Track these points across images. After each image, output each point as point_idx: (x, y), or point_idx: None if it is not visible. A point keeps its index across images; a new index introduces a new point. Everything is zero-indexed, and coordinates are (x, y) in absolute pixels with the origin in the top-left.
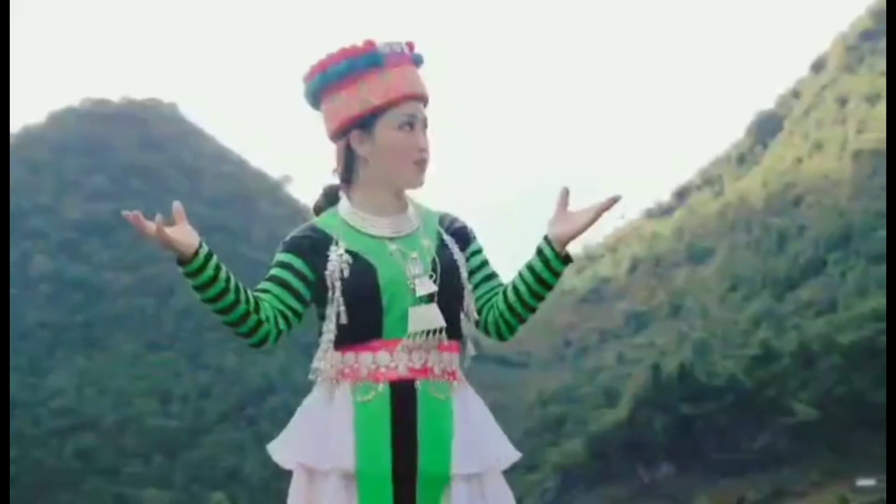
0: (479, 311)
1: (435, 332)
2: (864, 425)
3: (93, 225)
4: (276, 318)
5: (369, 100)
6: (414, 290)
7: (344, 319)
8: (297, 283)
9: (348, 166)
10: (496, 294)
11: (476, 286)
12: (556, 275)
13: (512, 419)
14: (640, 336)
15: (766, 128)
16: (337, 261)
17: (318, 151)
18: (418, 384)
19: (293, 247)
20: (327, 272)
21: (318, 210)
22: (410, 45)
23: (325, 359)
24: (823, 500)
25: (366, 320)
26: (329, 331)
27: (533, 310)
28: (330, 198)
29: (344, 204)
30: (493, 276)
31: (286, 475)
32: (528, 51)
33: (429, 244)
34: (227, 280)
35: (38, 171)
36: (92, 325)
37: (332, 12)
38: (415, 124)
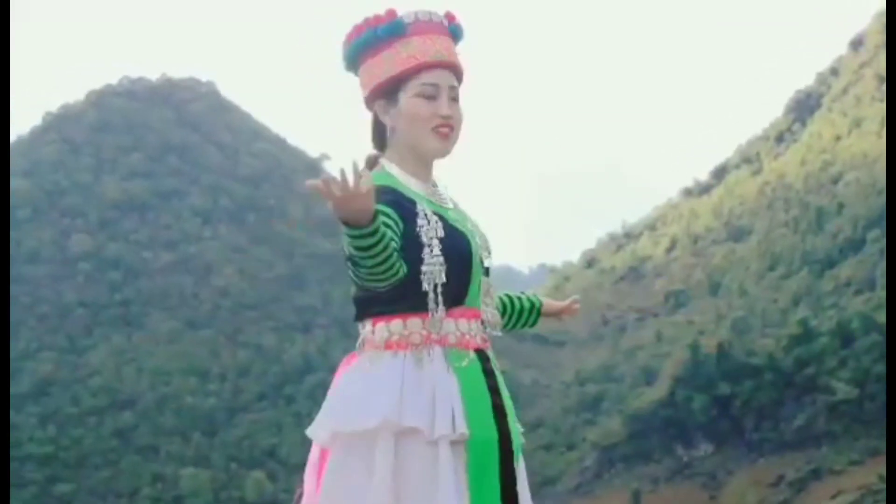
0: None
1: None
2: None
3: (131, 203)
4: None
5: (391, 69)
6: (482, 261)
7: (442, 278)
8: (392, 231)
9: (378, 135)
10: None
11: None
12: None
13: (550, 398)
14: (678, 314)
15: (805, 106)
16: (432, 219)
17: (356, 129)
18: (490, 354)
19: (379, 197)
20: (420, 228)
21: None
22: (450, 17)
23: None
24: (862, 478)
25: (455, 286)
26: (430, 292)
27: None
28: (370, 165)
29: (389, 171)
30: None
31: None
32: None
33: (471, 219)
34: (385, 235)
35: (77, 150)
36: (130, 303)
37: None
38: (437, 93)
